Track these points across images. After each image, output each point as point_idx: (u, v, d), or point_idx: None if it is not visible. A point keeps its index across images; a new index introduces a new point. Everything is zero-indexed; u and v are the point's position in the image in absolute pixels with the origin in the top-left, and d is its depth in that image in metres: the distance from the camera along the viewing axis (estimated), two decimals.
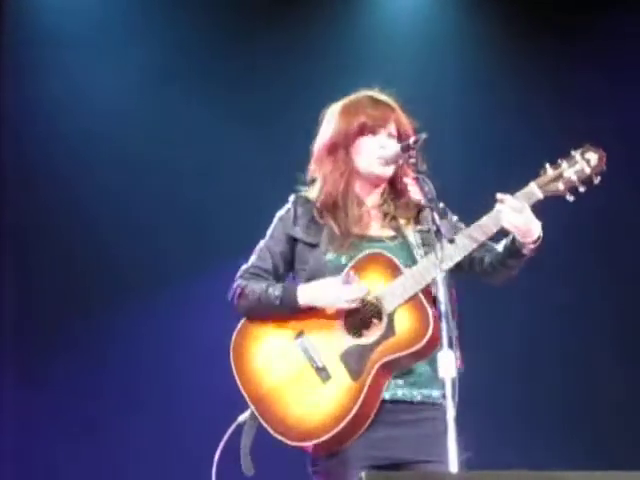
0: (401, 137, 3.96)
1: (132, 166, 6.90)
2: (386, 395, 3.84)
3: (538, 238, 3.80)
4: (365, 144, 3.97)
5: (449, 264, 3.73)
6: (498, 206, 3.76)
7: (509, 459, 6.13)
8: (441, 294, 3.47)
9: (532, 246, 3.80)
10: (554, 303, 7.01)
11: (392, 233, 3.99)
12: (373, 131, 3.97)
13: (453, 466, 3.29)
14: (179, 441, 6.57)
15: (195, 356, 6.57)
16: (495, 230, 3.80)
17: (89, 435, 6.61)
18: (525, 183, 3.81)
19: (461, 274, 3.89)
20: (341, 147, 3.98)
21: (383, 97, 4.06)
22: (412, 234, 3.97)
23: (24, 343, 6.71)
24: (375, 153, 3.94)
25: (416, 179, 3.69)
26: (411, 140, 3.77)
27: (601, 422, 6.99)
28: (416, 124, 3.98)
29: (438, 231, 3.53)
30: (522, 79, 7.28)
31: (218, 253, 6.38)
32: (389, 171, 3.98)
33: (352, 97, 4.07)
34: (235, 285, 4.00)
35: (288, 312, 3.91)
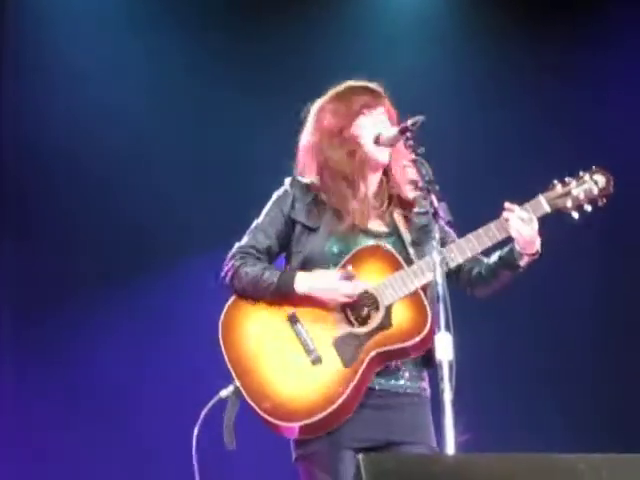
0: (393, 122, 3.99)
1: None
2: (372, 384, 3.84)
3: (536, 252, 3.85)
4: (366, 122, 3.99)
5: (451, 265, 3.80)
6: (506, 214, 3.80)
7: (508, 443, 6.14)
8: (438, 276, 3.46)
9: (530, 259, 3.85)
10: (556, 291, 7.02)
11: (387, 230, 4.02)
12: (374, 108, 4.00)
13: (450, 448, 3.29)
14: (159, 416, 6.57)
15: (186, 334, 6.57)
16: (500, 238, 3.84)
17: (77, 401, 6.63)
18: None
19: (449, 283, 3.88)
20: (346, 128, 3.99)
21: (371, 84, 4.10)
22: (406, 232, 3.99)
23: (24, 321, 6.70)
24: (374, 132, 3.96)
25: (414, 161, 3.68)
26: (409, 122, 3.77)
27: (604, 406, 6.99)
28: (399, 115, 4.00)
29: (436, 213, 3.52)
30: (520, 74, 7.29)
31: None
32: (385, 156, 4.00)
33: (340, 86, 4.10)
34: (228, 265, 3.97)
35: (281, 298, 3.89)
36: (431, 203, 3.53)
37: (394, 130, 3.85)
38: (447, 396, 3.33)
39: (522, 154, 7.08)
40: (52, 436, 6.53)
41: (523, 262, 3.85)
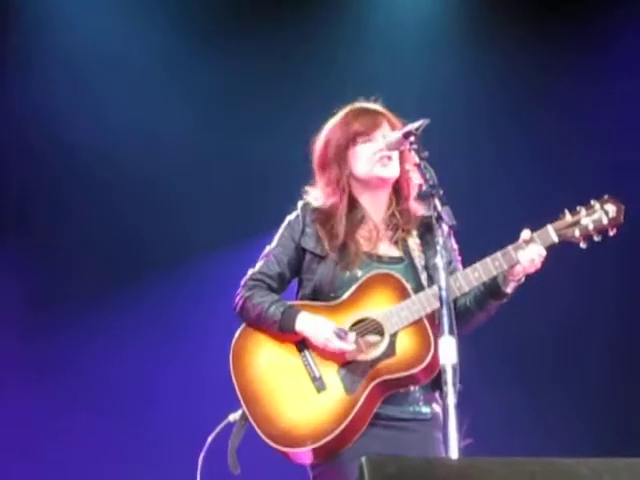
0: None
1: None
2: (379, 410, 3.86)
3: (521, 279, 3.87)
4: (362, 150, 4.01)
5: (458, 294, 3.82)
6: (521, 243, 3.80)
7: (514, 447, 6.13)
8: (442, 280, 3.46)
9: (516, 285, 3.86)
10: (557, 291, 7.01)
11: (399, 254, 4.03)
12: (368, 136, 4.01)
13: (454, 452, 3.29)
14: (166, 436, 6.57)
15: (201, 344, 6.58)
16: (506, 268, 3.82)
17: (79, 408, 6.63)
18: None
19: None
20: (332, 161, 4.03)
21: (371, 105, 4.12)
22: (419, 257, 4.00)
23: (31, 321, 6.71)
24: (374, 156, 3.98)
25: (418, 165, 3.68)
26: (413, 126, 3.77)
27: (610, 410, 6.98)
28: (405, 122, 3.97)
29: (439, 217, 3.52)
30: (527, 76, 7.27)
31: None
32: (391, 171, 4.00)
33: (340, 113, 4.12)
34: (239, 295, 4.04)
35: (282, 334, 3.94)
36: (435, 207, 3.54)
37: (398, 134, 3.84)
38: (451, 400, 3.33)
39: (531, 157, 7.07)
40: (53, 445, 6.53)
41: (509, 288, 3.87)
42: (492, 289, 3.89)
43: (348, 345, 3.83)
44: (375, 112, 4.08)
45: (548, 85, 7.22)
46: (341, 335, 3.83)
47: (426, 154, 3.69)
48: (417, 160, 3.68)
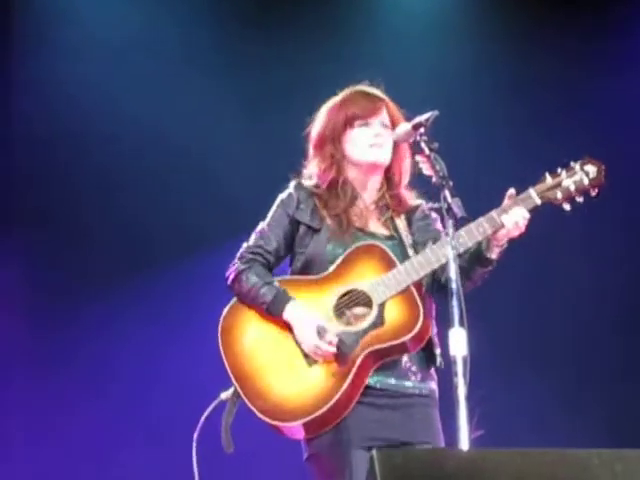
0: (394, 126, 4.00)
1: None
2: (370, 381, 3.86)
3: (505, 243, 3.87)
4: (357, 134, 4.04)
5: (461, 250, 3.78)
6: (504, 207, 3.81)
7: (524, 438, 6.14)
8: (452, 272, 3.46)
9: (499, 250, 3.86)
10: (563, 286, 6.99)
11: (388, 232, 4.05)
12: (366, 121, 4.04)
13: (464, 444, 3.29)
14: (160, 417, 6.59)
15: (189, 332, 6.59)
16: (490, 232, 3.82)
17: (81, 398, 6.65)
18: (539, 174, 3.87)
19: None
20: (328, 141, 4.07)
21: (373, 90, 4.14)
22: (407, 235, 4.02)
23: (37, 313, 6.73)
24: (368, 141, 4.01)
25: (428, 157, 3.67)
26: (423, 117, 3.76)
27: (619, 401, 6.97)
28: (406, 114, 4.02)
29: (449, 209, 3.52)
30: (540, 68, 7.25)
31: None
32: (383, 157, 4.04)
33: (341, 94, 4.15)
34: (234, 267, 4.03)
35: (271, 316, 3.94)
36: (444, 198, 3.54)
37: (407, 125, 3.82)
38: (461, 392, 3.33)
39: (541, 147, 7.03)
40: (57, 438, 6.55)
41: (495, 254, 3.86)
42: (477, 256, 3.87)
43: (325, 348, 3.82)
44: (375, 97, 4.10)
45: (559, 74, 7.20)
46: (321, 334, 3.83)
47: (436, 145, 3.68)
48: (427, 152, 3.68)
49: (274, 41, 7.08)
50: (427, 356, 3.92)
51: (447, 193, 3.54)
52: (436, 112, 3.72)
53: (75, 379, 6.63)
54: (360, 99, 4.09)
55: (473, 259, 3.89)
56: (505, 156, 6.99)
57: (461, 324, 3.39)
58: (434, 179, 3.63)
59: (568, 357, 7.02)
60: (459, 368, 3.35)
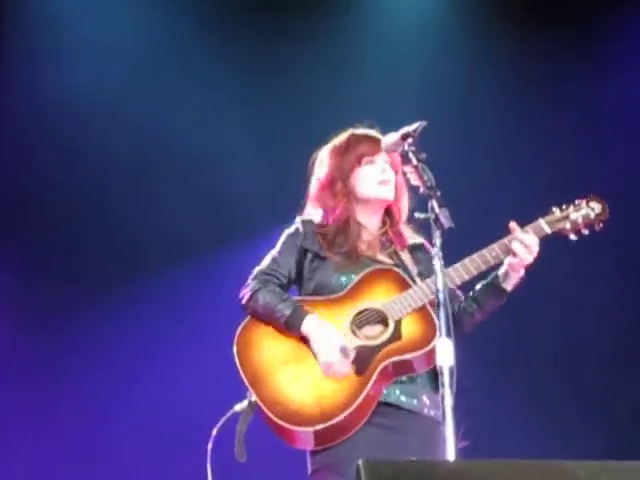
0: (393, 167, 4.17)
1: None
2: (387, 399, 3.93)
3: (523, 276, 4.02)
4: (365, 172, 4.17)
5: (458, 282, 3.96)
6: (517, 235, 3.94)
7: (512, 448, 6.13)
8: (439, 282, 3.47)
9: (516, 281, 4.01)
10: (555, 287, 7.00)
11: (394, 262, 4.15)
12: (372, 159, 4.17)
13: (450, 454, 3.29)
14: (175, 426, 6.58)
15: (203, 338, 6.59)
16: (503, 258, 3.98)
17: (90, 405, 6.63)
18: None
19: None
20: (338, 180, 4.18)
21: (369, 131, 4.26)
22: (412, 266, 4.13)
23: (31, 316, 6.72)
24: (377, 178, 4.15)
25: (415, 167, 3.69)
26: (411, 128, 3.78)
27: (607, 404, 6.98)
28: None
29: (437, 219, 3.53)
30: (532, 75, 7.28)
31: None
32: (391, 194, 4.17)
33: (342, 136, 4.28)
34: (248, 287, 4.10)
35: (289, 331, 3.98)
36: (432, 208, 3.55)
37: (396, 135, 3.84)
38: (448, 402, 3.33)
39: (532, 158, 7.07)
40: (61, 440, 6.54)
41: (510, 286, 4.00)
42: (492, 287, 4.03)
43: (346, 369, 3.88)
44: (376, 138, 4.19)
45: (549, 83, 7.23)
46: (346, 353, 3.89)
47: (424, 156, 3.71)
48: (415, 162, 3.70)
49: (265, 42, 7.10)
50: (436, 384, 3.92)
51: (435, 203, 3.56)
52: (424, 122, 3.74)
53: (70, 381, 6.65)
54: (363, 139, 4.22)
55: (488, 290, 4.05)
56: (496, 163, 7.01)
57: (448, 334, 3.39)
58: (422, 189, 3.65)
59: (557, 367, 7.03)
60: (445, 379, 3.35)
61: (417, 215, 3.99)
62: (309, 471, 3.98)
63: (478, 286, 4.09)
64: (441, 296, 3.45)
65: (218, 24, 7.16)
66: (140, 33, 7.04)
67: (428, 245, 4.16)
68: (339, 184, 4.16)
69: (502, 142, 7.15)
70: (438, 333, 3.72)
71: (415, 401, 3.97)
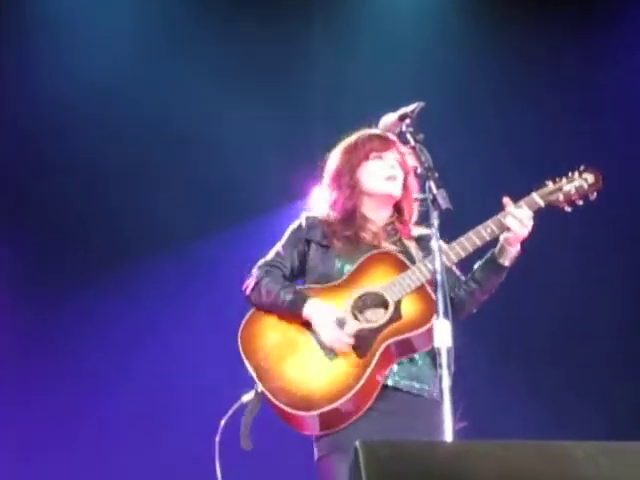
0: (403, 167, 4.19)
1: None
2: (389, 382, 3.95)
3: (519, 250, 4.02)
4: (373, 166, 4.20)
5: (455, 260, 3.98)
6: (509, 209, 3.95)
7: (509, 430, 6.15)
8: (437, 263, 3.46)
9: (514, 256, 4.01)
10: (553, 274, 6.99)
11: (398, 249, 4.16)
12: (380, 154, 4.20)
13: (449, 435, 3.29)
14: (181, 419, 6.59)
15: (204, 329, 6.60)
16: (498, 234, 3.98)
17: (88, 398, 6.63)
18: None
19: None
20: (345, 172, 4.21)
21: (385, 133, 4.19)
22: (416, 252, 4.16)
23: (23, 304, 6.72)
24: (384, 173, 4.17)
25: (413, 148, 3.70)
26: (409, 108, 3.79)
27: (606, 389, 6.97)
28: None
29: (434, 199, 3.52)
30: (531, 63, 7.25)
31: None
32: (397, 190, 4.18)
33: (355, 134, 4.31)
34: (252, 277, 4.15)
35: (292, 315, 4.03)
36: (430, 189, 3.55)
37: (394, 116, 3.84)
38: (445, 383, 3.33)
39: (531, 140, 7.05)
40: (66, 434, 6.55)
41: (508, 261, 4.01)
42: (490, 264, 4.03)
43: (345, 339, 3.92)
44: (388, 138, 4.22)
45: (549, 67, 7.22)
46: (341, 326, 3.93)
47: (421, 137, 3.71)
48: (412, 143, 3.71)
49: (260, 37, 7.07)
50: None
51: (432, 184, 3.56)
52: (422, 103, 3.75)
53: (68, 360, 6.66)
54: (374, 137, 4.24)
55: (487, 267, 4.06)
56: (494, 148, 7.00)
57: (445, 316, 3.38)
58: (419, 170, 3.65)
59: (556, 350, 7.04)
60: (443, 360, 3.35)
61: (415, 196, 4.02)
62: (315, 457, 4.01)
63: (477, 265, 4.11)
64: (439, 277, 3.45)
65: (216, 7, 7.12)
66: (138, 18, 7.01)
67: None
68: (346, 177, 4.20)
69: (501, 126, 7.14)
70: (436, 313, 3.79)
71: (416, 383, 3.99)
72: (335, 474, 3.88)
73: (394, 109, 3.84)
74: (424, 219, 4.05)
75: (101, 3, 7.04)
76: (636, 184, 7.13)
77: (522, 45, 7.24)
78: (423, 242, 4.17)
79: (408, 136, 3.73)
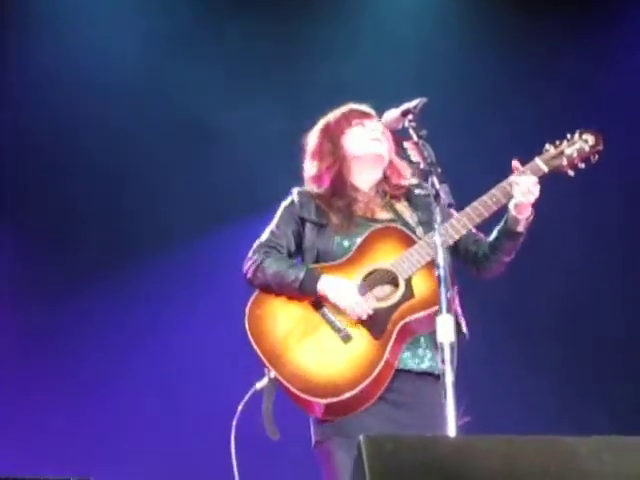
0: (385, 135, 4.17)
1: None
2: (399, 365, 3.93)
3: (531, 214, 3.99)
4: (355, 131, 4.19)
5: (463, 231, 3.94)
6: (513, 178, 3.93)
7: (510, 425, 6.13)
8: (440, 258, 3.45)
9: (527, 222, 3.98)
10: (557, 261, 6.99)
11: (391, 216, 4.13)
12: (362, 121, 4.20)
13: (451, 430, 3.28)
14: (195, 408, 6.58)
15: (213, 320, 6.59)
16: (504, 202, 3.95)
17: (97, 390, 6.63)
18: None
19: (458, 260, 4.11)
20: (327, 141, 4.20)
21: (363, 107, 4.28)
22: (409, 215, 4.12)
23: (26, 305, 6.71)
24: (368, 135, 4.16)
25: (416, 143, 3.69)
26: (411, 104, 3.79)
27: (609, 383, 6.96)
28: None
29: (437, 195, 3.51)
30: (531, 59, 7.26)
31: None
32: (383, 150, 4.17)
33: (330, 114, 4.31)
34: (252, 259, 4.09)
35: (301, 295, 3.97)
36: (432, 185, 3.54)
37: (396, 112, 3.84)
38: (448, 378, 3.32)
39: (536, 142, 7.03)
40: (66, 434, 6.53)
41: (521, 227, 3.98)
42: (507, 231, 4.01)
43: (366, 305, 3.89)
44: (366, 109, 4.26)
45: (550, 61, 7.21)
46: (364, 291, 3.91)
47: (424, 132, 3.71)
48: (415, 138, 3.70)
49: (260, 34, 7.08)
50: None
51: (435, 179, 3.55)
52: (424, 99, 3.74)
53: (68, 360, 6.65)
54: (354, 110, 4.26)
55: (502, 235, 4.02)
56: (496, 143, 6.98)
57: (448, 311, 3.37)
58: (422, 165, 3.65)
59: (560, 344, 7.03)
60: (446, 355, 3.34)
61: (417, 192, 4.01)
62: (313, 441, 3.98)
63: (494, 233, 4.07)
64: (441, 272, 3.43)
65: (217, 6, 7.12)
66: (143, 16, 7.01)
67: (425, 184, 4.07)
68: (328, 144, 4.18)
69: (502, 121, 7.12)
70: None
71: (424, 363, 3.97)
72: (337, 460, 3.86)
73: (396, 105, 3.84)
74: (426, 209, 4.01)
75: (105, 2, 7.02)
76: (636, 184, 7.13)
77: (522, 38, 7.23)
78: (414, 198, 4.14)
79: (411, 132, 3.72)
